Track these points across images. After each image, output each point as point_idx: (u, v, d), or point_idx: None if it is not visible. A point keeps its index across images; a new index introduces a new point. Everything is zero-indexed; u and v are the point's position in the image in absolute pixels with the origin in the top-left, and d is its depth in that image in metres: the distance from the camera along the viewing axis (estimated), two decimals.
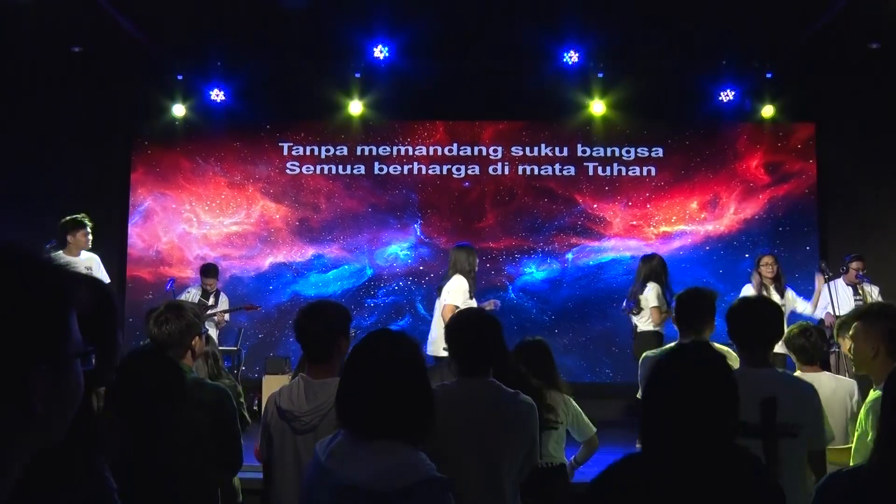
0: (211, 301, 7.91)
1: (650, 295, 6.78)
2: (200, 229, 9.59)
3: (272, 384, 5.55)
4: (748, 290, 6.97)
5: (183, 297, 7.54)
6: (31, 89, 8.43)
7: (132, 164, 9.48)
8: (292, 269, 9.53)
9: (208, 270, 8.05)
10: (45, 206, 8.06)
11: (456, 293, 6.20)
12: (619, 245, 9.49)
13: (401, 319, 9.36)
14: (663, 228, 9.50)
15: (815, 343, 3.87)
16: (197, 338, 2.98)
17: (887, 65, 8.18)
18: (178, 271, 9.43)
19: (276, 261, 9.55)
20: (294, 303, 9.16)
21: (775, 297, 6.87)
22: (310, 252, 9.51)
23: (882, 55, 8.10)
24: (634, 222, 9.55)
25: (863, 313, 2.95)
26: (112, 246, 9.02)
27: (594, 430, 4.10)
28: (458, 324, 2.88)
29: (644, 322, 6.82)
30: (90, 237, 6.68)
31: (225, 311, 7.97)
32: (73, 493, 1.26)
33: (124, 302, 8.97)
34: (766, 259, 7.09)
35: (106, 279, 6.55)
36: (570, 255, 9.52)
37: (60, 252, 6.43)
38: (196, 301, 7.46)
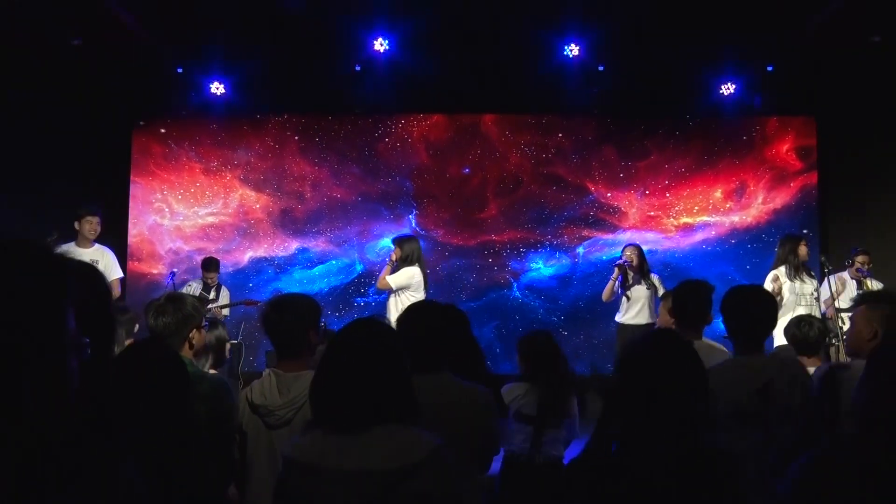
0: (212, 295, 7.93)
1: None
2: (173, 220, 9.28)
3: None
4: (780, 277, 6.80)
5: (184, 290, 7.60)
6: (31, 82, 8.46)
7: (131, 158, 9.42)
8: (274, 265, 9.20)
9: (209, 264, 8.01)
10: (44, 200, 8.17)
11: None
12: (635, 238, 9.02)
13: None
14: (684, 219, 9.24)
15: (809, 334, 4.09)
16: (195, 330, 3.01)
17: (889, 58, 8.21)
18: (148, 266, 9.14)
19: (256, 255, 9.20)
20: None
21: (808, 282, 6.79)
22: (293, 245, 9.17)
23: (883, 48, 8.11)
24: (652, 213, 9.29)
25: (867, 297, 3.13)
26: (112, 241, 8.75)
27: (578, 435, 4.14)
28: (413, 316, 2.97)
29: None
30: (96, 227, 6.61)
31: (224, 306, 7.95)
32: (90, 483, 1.25)
33: (124, 299, 8.76)
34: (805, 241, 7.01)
35: (115, 275, 6.64)
36: (580, 249, 9.27)
37: (71, 244, 6.51)
38: (197, 294, 7.56)
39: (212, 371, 3.68)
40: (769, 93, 8.79)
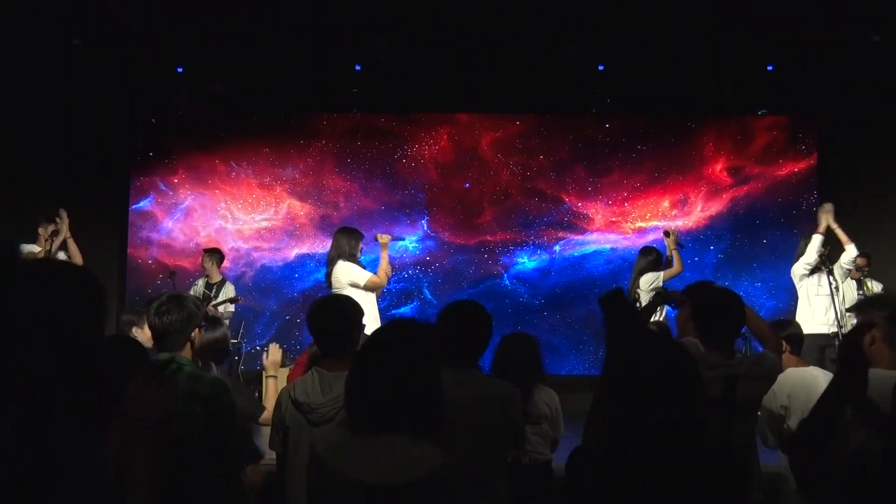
0: (213, 293, 7.69)
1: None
2: (235, 225, 9.89)
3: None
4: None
5: (189, 289, 7.37)
6: (32, 82, 8.05)
7: (136, 159, 9.34)
8: (315, 259, 9.68)
9: (212, 251, 7.80)
10: (43, 200, 7.62)
11: (355, 275, 5.69)
12: (599, 238, 9.79)
13: (410, 302, 9.65)
14: (639, 224, 9.73)
15: (799, 335, 3.75)
16: (196, 330, 2.92)
17: (888, 57, 7.73)
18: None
19: (301, 252, 9.75)
20: (316, 289, 9.25)
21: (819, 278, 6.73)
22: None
23: (883, 47, 7.65)
24: (613, 218, 9.80)
25: (858, 305, 2.92)
26: (111, 240, 8.96)
27: (562, 432, 3.92)
28: (451, 315, 2.82)
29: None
30: (52, 232, 6.18)
31: (216, 305, 7.53)
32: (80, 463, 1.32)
33: (124, 300, 8.81)
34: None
35: None
36: (557, 248, 9.77)
37: (33, 247, 6.19)
38: (200, 293, 7.36)
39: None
40: (769, 93, 8.32)
